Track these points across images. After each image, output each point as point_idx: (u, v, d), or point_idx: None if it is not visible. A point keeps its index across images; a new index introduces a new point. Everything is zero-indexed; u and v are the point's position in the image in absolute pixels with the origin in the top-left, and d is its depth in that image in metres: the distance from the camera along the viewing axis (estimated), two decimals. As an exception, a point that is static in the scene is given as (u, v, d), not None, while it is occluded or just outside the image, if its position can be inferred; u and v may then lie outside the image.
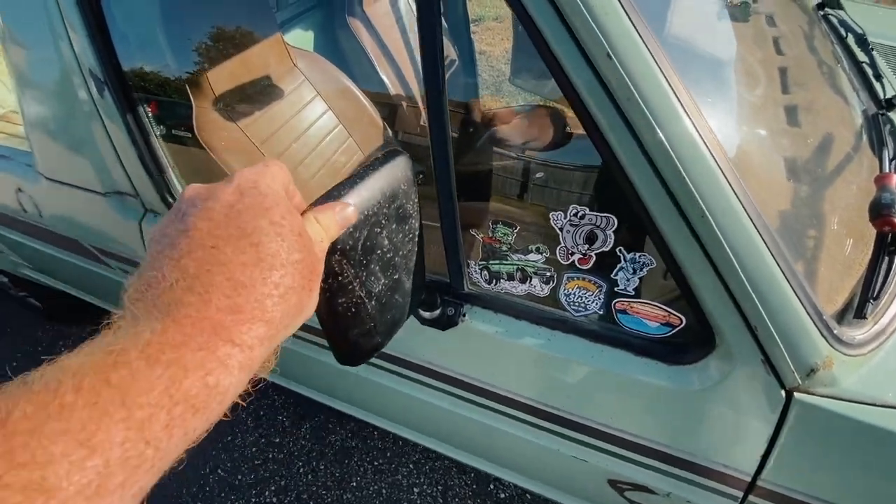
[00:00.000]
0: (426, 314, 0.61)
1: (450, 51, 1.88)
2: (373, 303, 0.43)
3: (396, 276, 0.46)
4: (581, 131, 0.87)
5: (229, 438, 1.51)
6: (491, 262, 0.58)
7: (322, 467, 1.43)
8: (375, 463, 1.43)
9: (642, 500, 0.68)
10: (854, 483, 0.52)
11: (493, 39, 3.28)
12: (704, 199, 0.41)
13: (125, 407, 0.19)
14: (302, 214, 0.30)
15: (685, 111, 0.41)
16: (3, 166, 1.02)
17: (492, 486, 1.36)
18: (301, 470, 1.43)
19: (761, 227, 0.43)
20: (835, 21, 1.01)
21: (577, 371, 0.59)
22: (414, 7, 1.64)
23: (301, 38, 1.49)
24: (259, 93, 1.12)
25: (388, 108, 1.50)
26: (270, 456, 1.46)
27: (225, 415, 0.24)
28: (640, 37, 0.39)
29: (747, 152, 0.50)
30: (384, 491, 1.37)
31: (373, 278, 0.42)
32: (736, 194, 0.42)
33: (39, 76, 0.78)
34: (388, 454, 1.44)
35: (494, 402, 0.68)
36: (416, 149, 1.46)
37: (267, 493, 1.39)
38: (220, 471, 1.44)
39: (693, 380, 0.52)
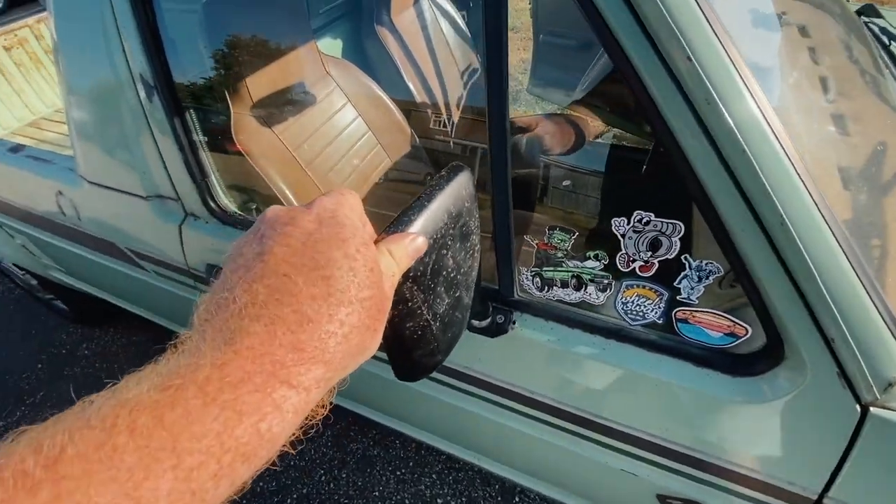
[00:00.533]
0: (476, 323, 0.60)
1: (472, 59, 1.90)
2: (437, 324, 0.42)
3: (458, 294, 0.45)
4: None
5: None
6: (545, 268, 0.58)
7: (344, 476, 1.41)
8: (398, 472, 1.41)
9: None
10: None
11: (509, 49, 3.29)
12: (784, 205, 0.40)
13: (175, 454, 0.18)
14: (375, 243, 0.30)
15: (763, 116, 0.40)
16: (44, 170, 1.03)
17: (517, 499, 1.33)
18: (323, 478, 1.42)
19: (840, 235, 0.42)
20: (876, 29, 1.00)
21: (632, 381, 0.57)
22: (439, 16, 1.65)
23: (330, 45, 1.51)
24: (294, 99, 1.14)
25: (415, 114, 1.50)
26: (292, 463, 1.45)
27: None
28: (721, 42, 0.38)
29: (820, 159, 0.48)
30: (407, 501, 1.35)
31: (438, 300, 0.41)
32: (815, 201, 0.41)
33: (89, 81, 0.79)
34: (411, 464, 1.42)
35: (541, 411, 0.66)
36: (439, 154, 1.46)
37: (289, 500, 1.38)
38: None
39: (762, 391, 0.50)
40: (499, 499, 1.33)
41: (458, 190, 0.41)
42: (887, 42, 0.94)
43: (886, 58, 0.89)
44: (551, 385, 0.64)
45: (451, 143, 1.46)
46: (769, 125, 0.40)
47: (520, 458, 0.82)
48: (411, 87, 1.57)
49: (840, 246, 0.42)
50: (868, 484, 0.51)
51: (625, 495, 0.72)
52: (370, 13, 1.53)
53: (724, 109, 0.39)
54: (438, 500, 1.34)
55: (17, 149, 1.12)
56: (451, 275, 0.42)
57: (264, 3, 1.04)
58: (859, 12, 1.04)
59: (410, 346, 0.41)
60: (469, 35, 1.85)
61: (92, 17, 0.71)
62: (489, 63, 0.51)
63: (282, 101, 1.09)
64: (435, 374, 0.74)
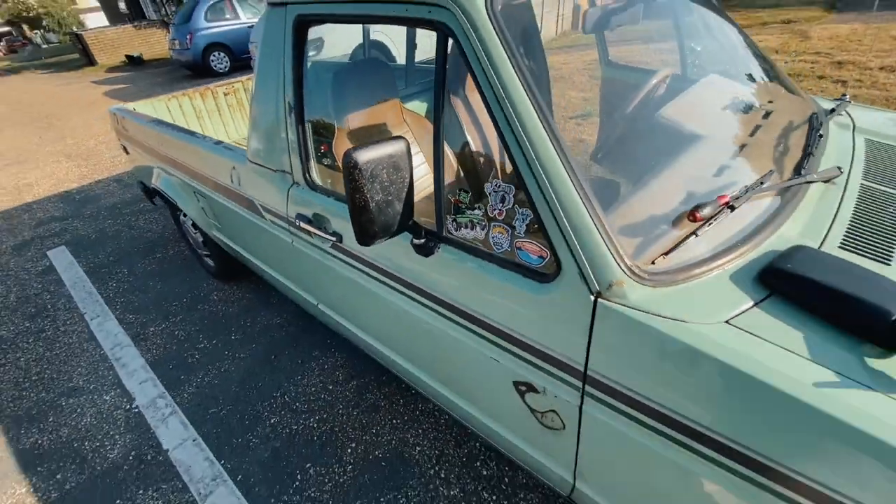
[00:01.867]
0: (416, 241, 1.03)
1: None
2: (373, 205, 0.87)
3: (389, 198, 0.89)
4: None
5: (299, 377, 2.00)
6: (457, 216, 0.99)
7: (355, 414, 1.81)
8: (394, 421, 1.76)
9: (534, 404, 0.96)
10: (644, 368, 0.75)
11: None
12: (549, 177, 0.79)
13: None
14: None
15: (546, 131, 0.80)
16: (228, 154, 1.75)
17: (478, 464, 1.59)
18: (340, 411, 1.83)
19: (583, 194, 0.78)
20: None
21: (493, 287, 0.93)
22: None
23: (418, 106, 2.14)
24: (377, 132, 1.73)
25: (467, 164, 2.02)
26: (322, 397, 1.90)
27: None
28: (523, 85, 0.81)
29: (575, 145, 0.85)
30: (394, 443, 1.69)
31: (374, 191, 0.87)
32: (568, 173, 0.79)
33: (264, 103, 1.46)
34: (406, 418, 1.77)
35: (440, 305, 1.05)
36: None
37: (312, 419, 1.81)
38: (285, 396, 1.92)
39: (552, 291, 0.83)
40: (464, 459, 1.60)
41: (396, 144, 0.88)
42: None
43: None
44: (449, 287, 1.02)
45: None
46: (549, 135, 0.80)
47: (424, 349, 1.20)
48: (469, 141, 2.10)
49: (584, 203, 0.78)
50: (608, 357, 0.79)
51: (490, 379, 1.04)
52: (451, 87, 2.14)
53: (521, 130, 0.81)
54: (416, 448, 1.66)
55: (218, 142, 1.88)
56: (385, 183, 0.87)
57: (368, 75, 1.68)
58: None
59: (358, 212, 0.87)
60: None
61: (274, 73, 1.37)
62: (436, 93, 0.98)
63: (368, 132, 1.69)
64: (389, 279, 1.17)
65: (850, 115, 1.49)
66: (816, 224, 0.92)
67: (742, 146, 1.16)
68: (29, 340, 2.42)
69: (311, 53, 1.73)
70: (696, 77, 1.72)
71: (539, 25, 1.62)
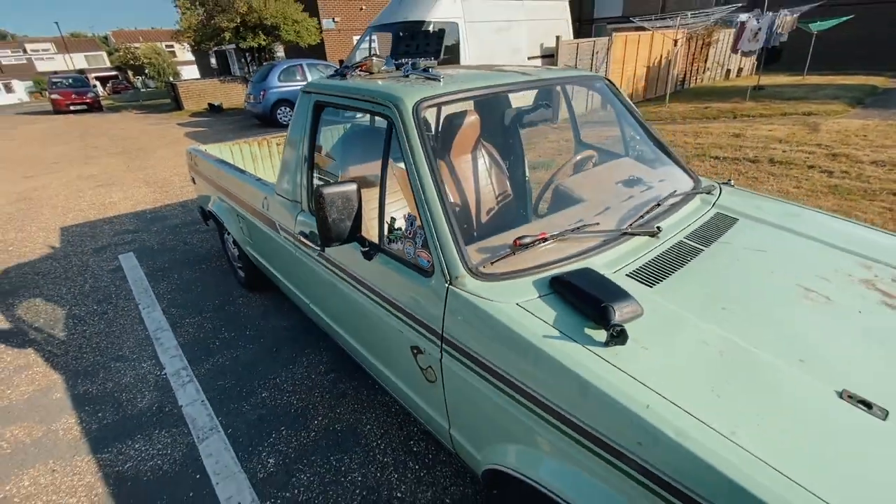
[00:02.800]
0: (362, 250, 1.54)
1: (506, 186, 2.94)
2: (331, 221, 1.41)
3: (342, 218, 1.43)
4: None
5: (291, 367, 2.48)
6: (389, 234, 1.50)
7: (327, 397, 2.25)
8: (355, 406, 2.19)
9: (422, 363, 1.40)
10: (469, 330, 1.19)
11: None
12: (433, 215, 1.30)
13: None
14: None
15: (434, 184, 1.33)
16: (264, 188, 2.39)
17: (412, 442, 1.98)
18: (315, 394, 2.28)
19: (450, 226, 1.28)
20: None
21: (403, 281, 1.42)
22: (486, 156, 2.79)
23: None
24: (363, 181, 2.32)
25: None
26: (305, 383, 2.36)
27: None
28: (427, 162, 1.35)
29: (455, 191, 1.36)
30: (351, 421, 2.11)
31: (331, 212, 1.40)
32: (444, 213, 1.29)
33: (290, 152, 2.08)
34: (365, 405, 2.20)
35: (371, 293, 1.54)
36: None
37: (293, 398, 2.27)
38: (277, 379, 2.40)
39: (432, 283, 1.31)
40: (400, 439, 2.00)
41: (349, 186, 1.42)
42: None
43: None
44: (380, 281, 1.51)
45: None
46: (437, 190, 1.32)
47: (364, 328, 1.67)
48: (449, 194, 2.66)
49: (447, 225, 1.28)
50: (453, 323, 1.24)
51: (398, 346, 1.49)
52: (440, 151, 2.75)
53: (420, 185, 1.34)
54: (367, 426, 2.07)
55: (258, 179, 2.54)
56: (339, 208, 1.41)
57: (368, 139, 2.29)
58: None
59: (321, 224, 1.40)
60: (506, 170, 2.92)
61: (299, 134, 2.01)
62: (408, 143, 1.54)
63: (360, 180, 2.28)
64: (341, 272, 1.69)
65: (721, 194, 1.91)
66: (620, 260, 1.37)
67: (605, 208, 1.63)
68: (94, 319, 3.07)
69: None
70: (609, 159, 2.24)
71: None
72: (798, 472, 0.77)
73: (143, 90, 37.10)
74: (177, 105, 17.16)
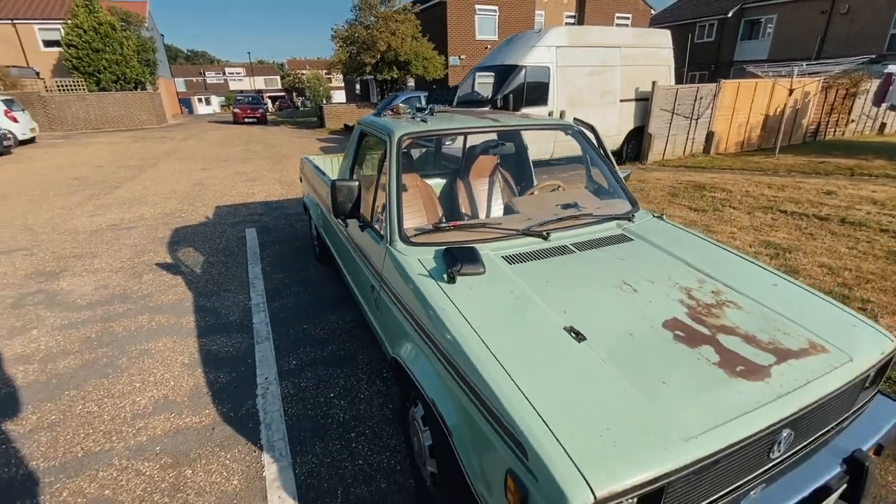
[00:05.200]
0: (359, 224, 2.40)
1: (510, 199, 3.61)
2: (339, 201, 2.30)
3: (343, 200, 2.31)
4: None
5: (329, 314, 3.44)
6: (375, 215, 2.34)
7: (341, 335, 3.15)
8: (358, 343, 3.05)
9: (375, 296, 2.19)
10: (390, 271, 1.94)
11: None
12: (391, 207, 2.12)
13: None
14: None
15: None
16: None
17: (384, 371, 2.76)
18: (337, 333, 3.19)
19: (397, 213, 2.09)
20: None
21: (371, 244, 2.23)
22: (500, 181, 3.59)
23: (437, 184, 3.59)
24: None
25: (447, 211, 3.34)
26: (337, 329, 3.30)
27: None
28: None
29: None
30: (351, 351, 2.96)
31: (339, 196, 2.30)
32: (397, 207, 2.10)
33: (344, 163, 3.07)
34: (366, 344, 3.04)
35: (361, 255, 2.38)
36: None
37: (322, 332, 3.21)
38: (321, 320, 3.37)
39: (383, 245, 2.10)
40: (376, 371, 2.78)
41: (351, 182, 2.31)
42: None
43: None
44: (363, 243, 2.35)
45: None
46: (396, 193, 2.14)
47: (358, 278, 2.49)
48: (460, 204, 3.44)
49: (396, 212, 2.09)
50: (385, 268, 2.01)
51: (366, 286, 2.29)
52: (461, 174, 3.55)
53: (391, 188, 2.17)
54: (361, 356, 2.91)
55: (331, 180, 3.61)
56: (344, 193, 2.29)
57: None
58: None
59: (332, 203, 2.30)
60: (517, 190, 3.59)
61: (349, 150, 2.99)
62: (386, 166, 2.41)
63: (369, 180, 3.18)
64: (350, 240, 2.56)
65: (642, 222, 2.39)
66: (506, 248, 2.02)
67: (528, 218, 2.28)
68: (219, 265, 4.43)
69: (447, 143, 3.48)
70: (569, 188, 2.83)
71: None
72: (513, 363, 1.36)
73: (301, 109, 43.96)
74: (321, 123, 20.45)
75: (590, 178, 2.86)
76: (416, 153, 4.46)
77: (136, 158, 11.60)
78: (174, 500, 1.90)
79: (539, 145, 7.20)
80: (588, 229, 2.26)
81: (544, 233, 2.12)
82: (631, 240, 2.21)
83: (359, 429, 2.29)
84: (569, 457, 1.08)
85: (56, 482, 1.99)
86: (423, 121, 2.55)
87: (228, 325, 3.30)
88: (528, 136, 3.65)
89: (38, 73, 20.42)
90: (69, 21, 18.90)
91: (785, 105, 10.49)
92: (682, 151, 10.30)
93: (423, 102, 13.15)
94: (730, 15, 23.79)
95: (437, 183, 3.64)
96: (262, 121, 23.58)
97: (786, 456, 1.41)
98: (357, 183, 2.31)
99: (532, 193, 2.84)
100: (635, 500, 1.09)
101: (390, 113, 2.95)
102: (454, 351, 1.47)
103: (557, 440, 1.12)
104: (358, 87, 30.80)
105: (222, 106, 52.91)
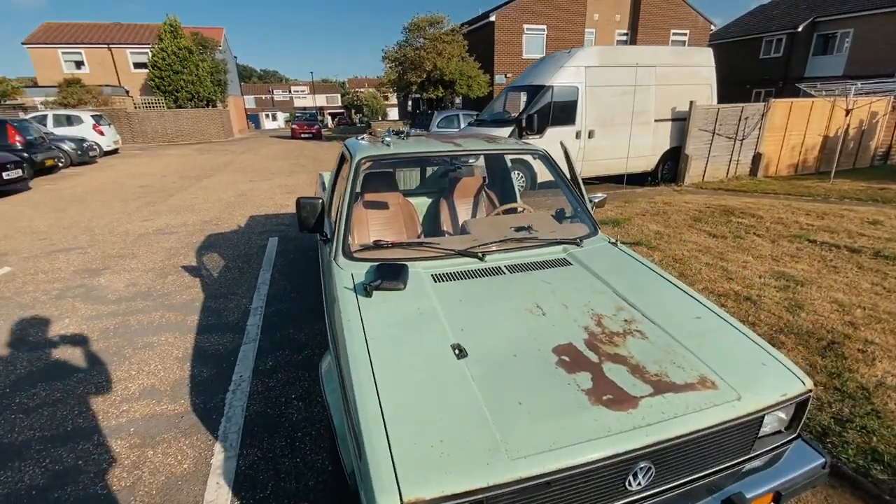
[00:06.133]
0: (321, 238, 2.60)
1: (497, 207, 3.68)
2: (303, 216, 2.52)
3: (307, 216, 2.52)
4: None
5: (314, 323, 3.67)
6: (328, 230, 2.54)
7: (317, 338, 3.36)
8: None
9: (324, 299, 2.36)
10: (330, 280, 2.11)
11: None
12: (340, 218, 2.29)
13: None
14: None
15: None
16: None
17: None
18: (316, 338, 3.41)
19: (345, 226, 2.26)
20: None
21: (326, 255, 2.43)
22: (486, 199, 3.71)
23: (422, 202, 3.75)
24: (376, 204, 3.39)
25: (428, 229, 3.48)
26: (313, 330, 3.52)
27: None
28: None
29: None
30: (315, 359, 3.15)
31: (304, 211, 2.51)
32: (347, 218, 2.27)
33: (337, 182, 3.31)
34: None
35: (322, 263, 2.59)
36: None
37: (301, 336, 3.43)
38: (301, 325, 3.61)
39: (329, 255, 2.29)
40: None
41: (315, 200, 2.53)
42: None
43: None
44: (322, 254, 2.55)
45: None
46: (349, 202, 2.32)
47: (322, 281, 2.68)
48: (442, 222, 3.56)
49: (344, 226, 2.26)
50: (328, 278, 2.18)
51: (323, 290, 2.48)
52: (445, 193, 3.68)
53: (341, 199, 2.35)
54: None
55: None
56: (307, 209, 2.51)
57: (382, 182, 3.38)
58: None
59: (298, 218, 2.52)
60: (497, 202, 3.66)
61: (344, 173, 3.23)
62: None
63: (374, 205, 3.37)
64: (319, 253, 2.76)
65: (591, 246, 2.40)
66: (437, 266, 2.13)
67: (474, 239, 2.37)
68: (235, 269, 4.83)
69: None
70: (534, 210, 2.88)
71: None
72: (385, 373, 1.49)
73: (357, 125, 46.10)
74: (369, 139, 21.33)
75: (558, 201, 2.90)
76: (408, 173, 4.65)
77: (197, 169, 12.75)
78: (130, 475, 2.15)
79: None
80: (531, 252, 2.32)
81: (479, 254, 2.21)
82: (570, 264, 2.24)
83: (306, 429, 2.45)
84: (392, 460, 1.18)
85: (43, 450, 2.31)
86: (387, 145, 2.72)
87: (225, 326, 3.62)
88: (551, 135, 3.73)
89: (127, 92, 23.05)
90: (155, 45, 21.24)
91: (846, 126, 9.70)
92: (725, 174, 9.79)
93: (461, 120, 13.47)
94: (800, 29, 22.33)
95: (424, 202, 3.80)
96: (316, 136, 25.02)
97: (656, 490, 1.40)
98: (320, 200, 2.52)
99: (496, 214, 2.92)
100: (454, 512, 1.16)
101: (368, 136, 3.16)
102: (343, 358, 1.60)
103: (389, 444, 1.22)
104: (409, 104, 31.91)
105: (286, 121, 56.63)
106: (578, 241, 2.44)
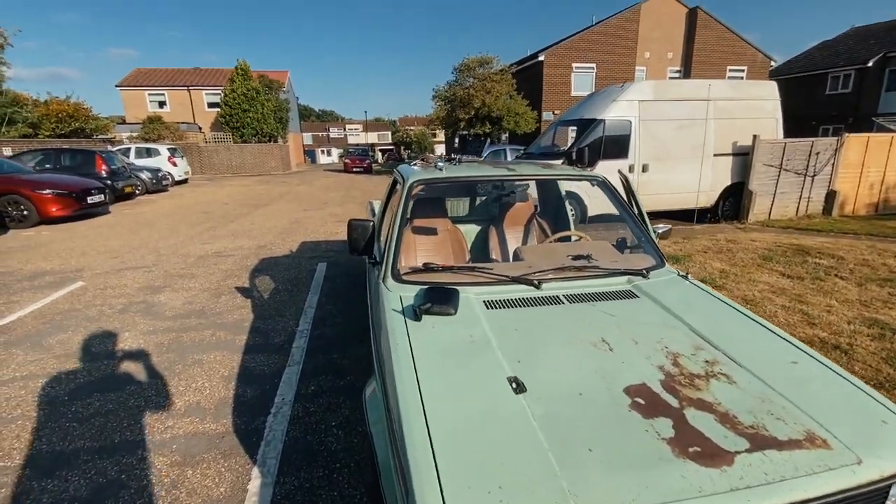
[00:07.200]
0: (370, 261, 2.55)
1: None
2: (353, 237, 2.50)
3: (358, 238, 2.50)
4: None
5: (358, 346, 3.61)
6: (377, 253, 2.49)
7: (361, 364, 3.27)
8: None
9: (371, 318, 2.28)
10: (379, 300, 2.02)
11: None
12: (391, 243, 2.24)
13: None
14: None
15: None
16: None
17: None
18: (362, 362, 3.32)
19: (395, 249, 2.20)
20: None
21: (375, 277, 2.36)
22: (538, 230, 3.61)
23: (471, 229, 3.67)
24: (425, 230, 3.34)
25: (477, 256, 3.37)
26: (356, 356, 3.44)
27: None
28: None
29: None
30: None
31: (355, 233, 2.49)
32: (398, 240, 2.22)
33: (389, 205, 3.32)
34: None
35: (371, 285, 2.52)
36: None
37: (345, 363, 3.36)
38: (345, 351, 3.55)
39: (378, 277, 2.22)
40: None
41: (366, 223, 2.51)
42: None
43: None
44: (371, 276, 2.49)
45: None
46: (401, 222, 2.27)
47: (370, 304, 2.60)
48: (491, 250, 3.44)
49: (394, 249, 2.20)
50: (375, 299, 2.10)
51: (370, 310, 2.39)
52: (495, 221, 3.58)
53: (393, 220, 2.31)
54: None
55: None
56: (358, 232, 2.49)
57: (431, 208, 3.34)
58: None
59: (349, 240, 2.50)
60: (549, 231, 3.50)
61: (398, 195, 3.24)
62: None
63: (423, 230, 3.32)
64: (370, 275, 2.71)
65: (660, 279, 2.20)
66: (490, 293, 2.01)
67: (528, 266, 2.24)
68: (284, 292, 4.91)
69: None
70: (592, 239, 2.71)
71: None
72: (436, 405, 1.37)
73: (405, 161, 47.64)
74: (416, 172, 21.90)
75: (623, 230, 2.72)
76: (456, 202, 4.61)
77: (256, 198, 13.50)
78: (169, 495, 2.10)
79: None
80: (592, 282, 2.15)
81: (535, 281, 2.07)
82: (637, 297, 2.05)
83: (345, 461, 2.33)
84: (443, 505, 1.03)
85: (90, 460, 2.32)
86: (440, 169, 2.69)
87: (271, 347, 3.62)
88: (601, 169, 3.61)
89: (200, 128, 25.21)
90: (227, 86, 23.25)
91: (936, 163, 8.83)
92: (795, 212, 9.10)
93: (508, 154, 13.53)
94: (870, 64, 21.11)
95: (473, 230, 3.72)
96: (367, 170, 26.03)
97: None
98: (371, 223, 2.50)
99: (551, 242, 2.78)
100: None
101: (421, 162, 3.15)
102: (390, 385, 1.48)
103: (440, 487, 1.08)
104: (457, 141, 32.70)
105: (339, 157, 59.63)
106: (645, 272, 2.24)
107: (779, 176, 8.71)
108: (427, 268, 2.15)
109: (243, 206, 11.78)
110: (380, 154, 56.28)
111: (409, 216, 2.39)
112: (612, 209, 2.80)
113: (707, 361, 1.59)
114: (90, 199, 9.55)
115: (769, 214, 8.90)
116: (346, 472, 2.25)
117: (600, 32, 21.27)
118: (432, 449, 1.17)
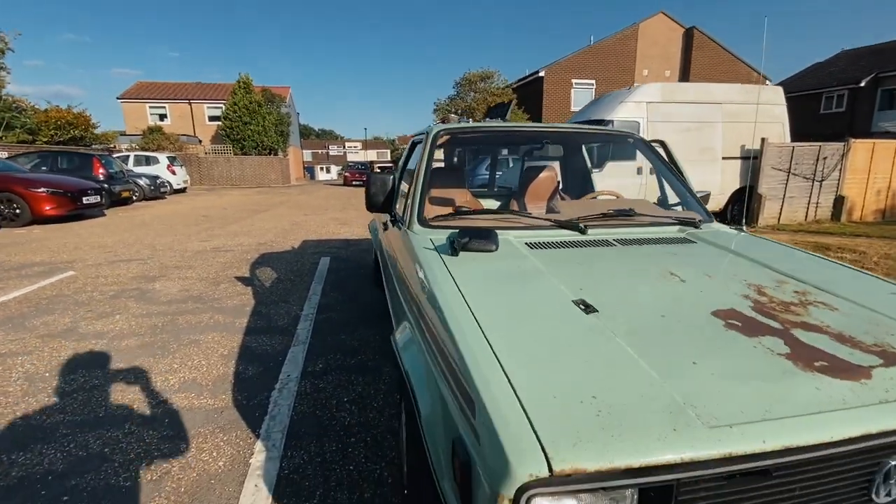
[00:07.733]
0: (390, 219, 2.33)
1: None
2: (371, 192, 2.29)
3: (376, 193, 2.29)
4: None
5: (361, 330, 3.35)
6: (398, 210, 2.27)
7: (366, 343, 3.01)
8: (377, 355, 2.87)
9: (394, 272, 2.04)
10: (403, 246, 1.79)
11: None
12: (414, 196, 2.03)
13: None
14: None
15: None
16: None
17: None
18: (371, 345, 3.06)
19: (421, 198, 1.98)
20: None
21: (398, 232, 2.14)
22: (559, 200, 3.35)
23: (489, 205, 3.46)
24: (444, 200, 3.14)
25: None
26: (361, 337, 3.19)
27: None
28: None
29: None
30: (374, 364, 2.79)
31: (374, 187, 2.28)
32: (425, 193, 2.01)
33: (410, 171, 3.13)
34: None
35: (392, 244, 2.28)
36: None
37: (351, 341, 3.10)
38: (351, 330, 3.29)
39: (404, 229, 1.99)
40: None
41: (388, 176, 2.30)
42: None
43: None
44: (392, 235, 2.26)
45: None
46: (424, 181, 2.07)
47: (388, 263, 2.36)
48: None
49: (419, 198, 1.99)
50: (401, 249, 1.87)
51: (392, 266, 2.15)
52: (516, 194, 3.38)
53: (416, 171, 2.10)
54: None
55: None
56: (378, 186, 2.28)
57: (449, 179, 3.15)
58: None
59: (367, 195, 2.29)
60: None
61: (417, 158, 3.04)
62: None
63: (439, 201, 3.12)
64: (386, 239, 2.48)
65: (713, 230, 1.99)
66: (532, 236, 1.79)
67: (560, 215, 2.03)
68: (288, 282, 4.65)
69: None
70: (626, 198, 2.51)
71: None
72: (495, 329, 1.12)
73: (404, 177, 47.63)
74: (416, 185, 21.84)
75: (661, 189, 2.52)
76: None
77: (256, 205, 13.30)
78: (158, 469, 1.82)
79: (622, 179, 6.70)
80: (642, 229, 1.95)
81: (581, 225, 1.85)
82: (694, 243, 1.84)
83: (360, 435, 2.06)
84: (526, 416, 0.79)
85: (75, 433, 2.04)
86: (464, 122, 2.50)
87: (274, 329, 3.36)
88: (610, 171, 3.43)
89: (200, 141, 25.17)
90: (229, 100, 23.32)
91: (943, 169, 8.78)
92: (804, 217, 8.98)
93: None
94: (863, 84, 21.51)
95: (493, 204, 3.52)
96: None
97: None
98: (391, 177, 2.29)
99: (588, 199, 2.57)
100: (633, 494, 0.75)
101: (439, 121, 2.97)
102: (436, 320, 1.24)
103: (517, 397, 0.84)
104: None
105: (338, 173, 59.85)
106: (696, 221, 2.04)
107: (787, 180, 8.62)
108: (458, 212, 1.94)
109: (243, 211, 11.57)
110: (378, 170, 56.42)
111: (432, 166, 2.19)
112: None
113: (797, 292, 1.37)
114: (86, 200, 9.31)
115: (779, 218, 8.77)
116: (363, 446, 1.97)
117: (600, 50, 21.63)
118: (506, 375, 0.92)
